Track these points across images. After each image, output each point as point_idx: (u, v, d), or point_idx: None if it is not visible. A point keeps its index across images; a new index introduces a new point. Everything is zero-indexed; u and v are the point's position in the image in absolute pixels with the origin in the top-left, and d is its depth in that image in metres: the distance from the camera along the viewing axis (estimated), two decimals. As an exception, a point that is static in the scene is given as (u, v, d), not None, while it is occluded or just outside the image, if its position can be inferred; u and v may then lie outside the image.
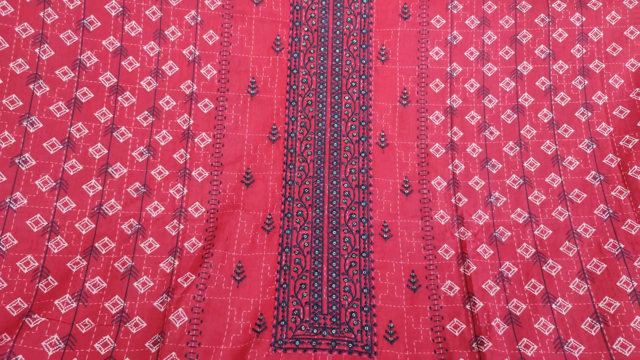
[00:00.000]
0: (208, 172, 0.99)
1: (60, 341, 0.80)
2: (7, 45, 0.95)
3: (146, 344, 0.83)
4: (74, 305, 0.84)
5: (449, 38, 1.11)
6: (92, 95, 0.98)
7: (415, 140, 1.05)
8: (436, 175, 1.03)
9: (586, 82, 1.07)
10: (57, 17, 0.99)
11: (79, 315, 0.83)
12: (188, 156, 0.99)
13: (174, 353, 0.81)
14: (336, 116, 1.05)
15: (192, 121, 1.02)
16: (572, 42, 1.09)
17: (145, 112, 1.00)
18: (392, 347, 0.88)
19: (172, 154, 0.99)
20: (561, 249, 0.96)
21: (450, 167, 1.04)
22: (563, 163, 1.03)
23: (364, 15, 1.10)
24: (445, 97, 1.08)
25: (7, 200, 0.88)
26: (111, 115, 0.98)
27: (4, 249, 0.85)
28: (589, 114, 1.05)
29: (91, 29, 1.00)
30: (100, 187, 0.94)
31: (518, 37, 1.11)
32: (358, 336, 0.88)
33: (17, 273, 0.84)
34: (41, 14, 0.98)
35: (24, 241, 0.87)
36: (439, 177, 1.03)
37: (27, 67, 0.96)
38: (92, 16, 1.01)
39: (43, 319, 0.81)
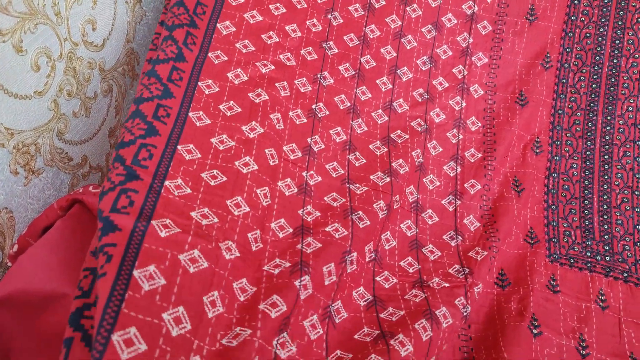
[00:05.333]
0: (483, 90, 1.02)
1: (385, 208, 0.84)
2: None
3: (443, 237, 0.89)
4: (388, 179, 0.89)
5: None
6: (384, 2, 1.04)
7: None
8: None
9: None
10: None
11: (394, 190, 0.88)
12: (466, 72, 1.03)
13: (478, 248, 0.86)
14: (616, 51, 1.02)
15: (471, 40, 1.04)
16: None
17: (429, 26, 1.04)
18: None
19: (451, 69, 1.03)
20: None
21: None
22: None
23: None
24: None
25: (318, 75, 0.96)
26: (400, 23, 1.03)
27: (319, 115, 0.92)
28: None
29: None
30: (390, 85, 1.00)
31: None
32: (632, 268, 0.87)
33: (331, 140, 0.91)
34: None
35: (333, 114, 0.93)
36: None
37: None
38: None
39: (365, 187, 0.85)
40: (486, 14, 1.06)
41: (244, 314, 0.62)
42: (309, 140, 0.88)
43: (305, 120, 0.89)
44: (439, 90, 1.01)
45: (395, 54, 1.01)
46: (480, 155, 0.97)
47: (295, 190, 0.81)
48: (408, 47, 1.02)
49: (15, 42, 0.67)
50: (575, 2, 1.05)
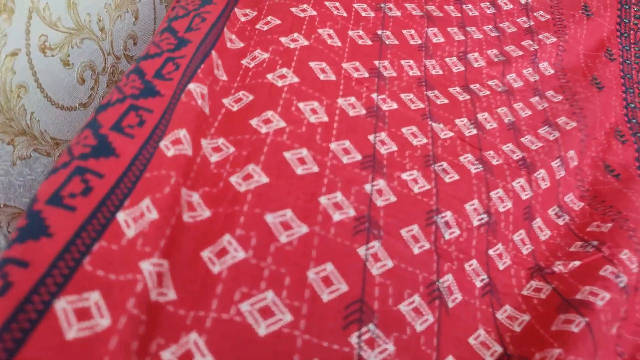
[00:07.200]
0: (553, 70, 0.95)
1: (476, 162, 0.69)
2: None
3: (549, 211, 0.74)
4: (475, 132, 0.74)
5: None
6: None
7: None
8: None
9: None
10: None
11: (482, 146, 0.75)
12: (537, 47, 0.95)
13: (597, 222, 0.73)
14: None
15: (532, 22, 0.99)
16: None
17: (487, 3, 1.00)
18: None
19: (520, 41, 0.95)
20: None
21: None
22: None
23: None
24: None
25: (382, 5, 0.85)
26: None
27: (387, 42, 0.81)
28: None
29: None
30: (462, 37, 0.90)
31: None
32: None
33: (403, 71, 0.79)
34: None
35: (403, 45, 0.82)
36: None
37: None
38: None
39: (450, 132, 0.72)
40: (540, 6, 1.02)
41: (282, 268, 0.46)
42: (376, 63, 0.73)
43: (369, 42, 0.76)
44: (513, 56, 0.92)
45: (459, 14, 0.94)
46: (574, 124, 0.84)
47: (363, 111, 0.65)
48: (470, 14, 0.95)
49: (63, 56, 0.68)
50: (625, 6, 1.01)
